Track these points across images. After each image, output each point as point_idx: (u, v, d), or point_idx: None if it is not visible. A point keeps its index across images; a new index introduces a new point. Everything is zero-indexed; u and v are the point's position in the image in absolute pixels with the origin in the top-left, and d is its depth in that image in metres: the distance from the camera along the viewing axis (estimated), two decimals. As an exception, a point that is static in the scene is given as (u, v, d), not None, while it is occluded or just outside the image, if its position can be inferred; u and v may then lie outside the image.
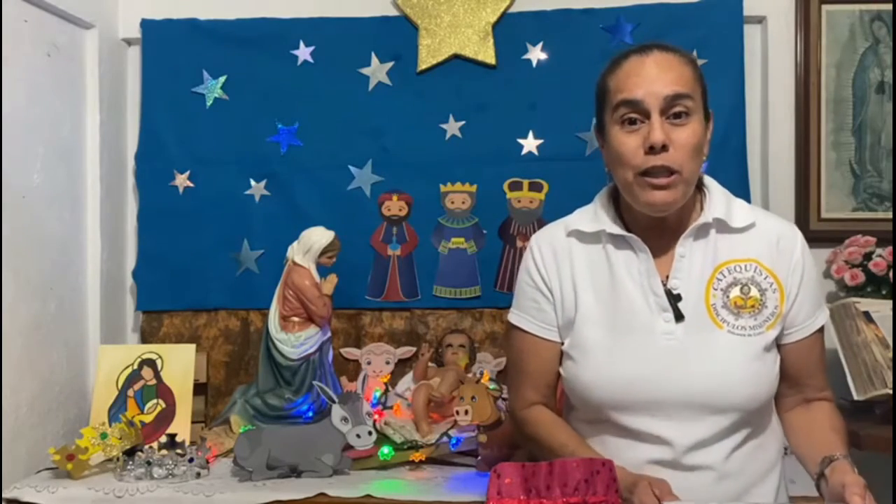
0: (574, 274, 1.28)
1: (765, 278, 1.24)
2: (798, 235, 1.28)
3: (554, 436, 1.28)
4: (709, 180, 1.31)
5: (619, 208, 1.30)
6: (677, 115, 1.17)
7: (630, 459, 1.19)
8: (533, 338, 1.31)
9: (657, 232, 1.25)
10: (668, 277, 1.24)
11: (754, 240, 1.25)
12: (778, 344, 1.26)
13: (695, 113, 1.18)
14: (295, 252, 1.99)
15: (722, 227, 1.25)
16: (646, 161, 1.17)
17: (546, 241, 1.32)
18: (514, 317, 1.35)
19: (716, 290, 1.22)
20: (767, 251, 1.25)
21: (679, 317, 1.21)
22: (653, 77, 1.17)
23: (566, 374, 1.29)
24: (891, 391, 1.74)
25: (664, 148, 1.16)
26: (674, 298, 1.22)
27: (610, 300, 1.25)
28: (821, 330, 1.30)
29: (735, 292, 1.22)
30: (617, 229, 1.26)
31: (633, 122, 1.18)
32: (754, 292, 1.22)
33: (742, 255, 1.24)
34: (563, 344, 1.29)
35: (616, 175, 1.24)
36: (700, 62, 2.08)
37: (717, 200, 1.27)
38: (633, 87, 1.18)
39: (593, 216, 1.30)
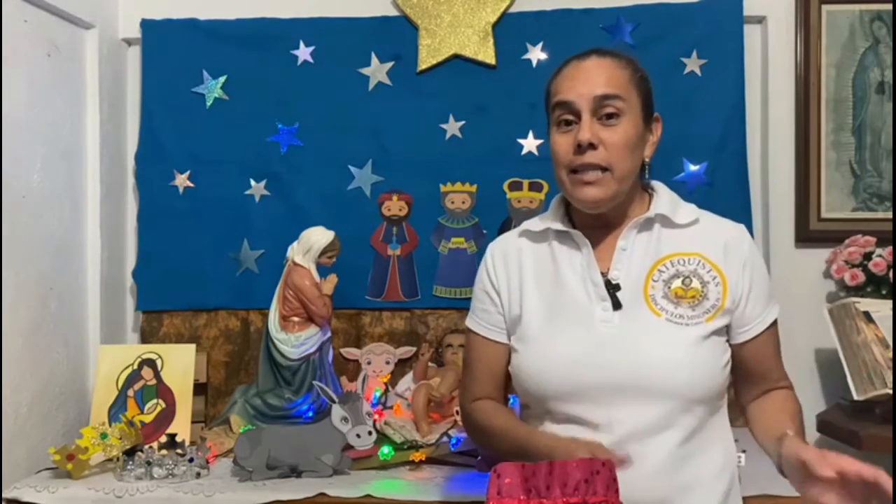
0: (522, 272, 1.33)
1: (708, 271, 1.27)
2: (745, 234, 1.32)
3: (494, 421, 1.32)
4: (658, 184, 1.36)
5: (569, 209, 1.35)
6: (608, 116, 1.22)
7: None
8: (481, 339, 1.37)
9: (601, 229, 1.30)
10: (608, 269, 1.28)
11: (699, 236, 1.29)
12: (734, 344, 1.28)
13: (626, 113, 1.23)
14: (295, 252, 1.99)
15: (666, 222, 1.30)
16: (575, 159, 1.23)
17: (499, 246, 1.38)
18: (468, 320, 1.41)
19: (656, 281, 1.26)
20: (713, 248, 1.28)
21: (617, 305, 1.25)
22: (585, 79, 1.23)
23: (512, 369, 1.32)
24: (891, 391, 1.74)
25: (592, 146, 1.21)
26: (612, 288, 1.26)
27: (553, 293, 1.29)
28: (774, 324, 1.31)
29: (676, 283, 1.26)
30: (561, 226, 1.31)
31: (567, 122, 1.24)
32: (696, 284, 1.25)
33: (686, 249, 1.28)
34: (510, 343, 1.34)
35: (555, 174, 1.29)
36: (700, 62, 2.13)
37: (664, 200, 1.31)
38: (566, 89, 1.24)
39: (544, 216, 1.36)
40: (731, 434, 1.31)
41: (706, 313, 1.24)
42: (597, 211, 1.26)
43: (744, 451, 1.53)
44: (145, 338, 2.23)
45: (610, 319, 1.24)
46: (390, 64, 2.21)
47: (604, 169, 1.22)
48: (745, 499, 1.33)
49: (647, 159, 1.29)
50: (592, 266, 1.27)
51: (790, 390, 1.33)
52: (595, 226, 1.30)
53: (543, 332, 1.27)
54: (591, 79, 1.22)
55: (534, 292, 1.30)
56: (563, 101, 1.24)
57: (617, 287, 1.26)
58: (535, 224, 1.35)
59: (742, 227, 1.33)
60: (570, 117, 1.23)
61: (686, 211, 1.31)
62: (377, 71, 2.21)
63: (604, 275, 1.27)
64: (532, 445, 1.21)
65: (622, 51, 1.29)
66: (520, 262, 1.34)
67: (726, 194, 2.09)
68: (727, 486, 1.26)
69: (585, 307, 1.25)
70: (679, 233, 1.29)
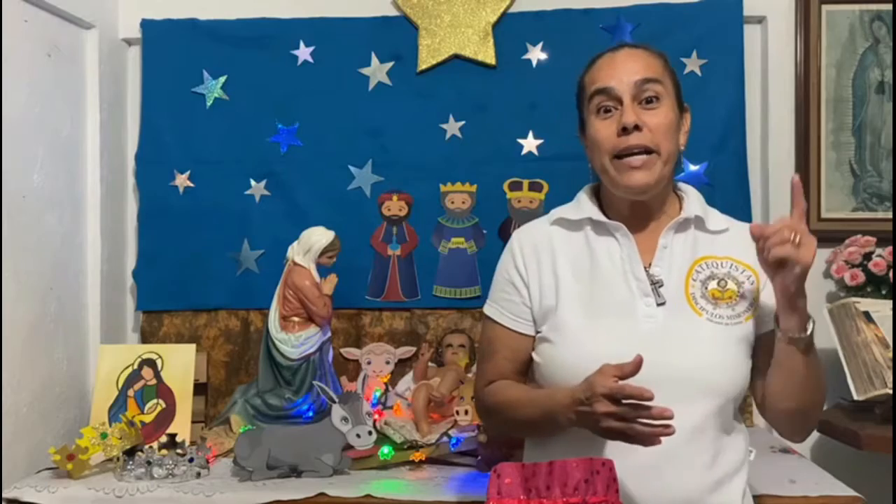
0: (555, 261, 1.31)
1: (741, 272, 1.28)
2: None
3: (510, 393, 1.30)
4: (685, 186, 1.37)
5: (601, 201, 1.35)
6: (648, 101, 1.25)
7: (606, 449, 1.18)
8: (503, 328, 1.35)
9: (638, 223, 1.30)
10: (650, 265, 1.28)
11: (728, 241, 1.32)
12: (763, 333, 1.26)
13: (665, 98, 1.26)
14: (295, 252, 1.99)
15: (700, 225, 1.32)
16: (620, 143, 1.23)
17: (527, 235, 1.37)
18: (487, 308, 1.39)
19: (695, 280, 1.27)
20: (742, 248, 1.28)
21: (660, 302, 1.25)
22: (623, 66, 1.26)
23: (543, 360, 1.30)
24: (891, 391, 1.74)
25: (637, 128, 1.22)
26: (656, 284, 1.26)
27: (590, 285, 1.28)
28: None
29: (713, 285, 1.27)
30: (601, 217, 1.31)
31: (607, 109, 1.26)
32: (731, 286, 1.27)
33: (718, 252, 1.30)
34: (538, 333, 1.32)
35: (595, 164, 1.30)
36: (700, 62, 2.13)
37: (695, 202, 1.33)
38: (605, 77, 1.27)
39: (577, 206, 1.35)
40: (744, 427, 1.31)
41: (745, 312, 1.26)
42: (643, 197, 1.27)
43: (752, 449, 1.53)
44: (145, 338, 2.23)
45: (654, 315, 1.24)
46: (390, 64, 2.21)
47: (649, 151, 1.23)
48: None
49: (682, 147, 1.30)
50: (635, 261, 1.27)
51: None
52: (632, 219, 1.30)
53: (583, 324, 1.25)
54: (629, 65, 1.25)
55: (571, 282, 1.29)
56: (602, 87, 1.25)
57: (660, 283, 1.26)
58: (571, 213, 1.34)
59: None
60: (611, 104, 1.25)
61: (717, 218, 1.34)
62: (377, 71, 2.21)
63: (645, 269, 1.27)
64: (555, 400, 1.18)
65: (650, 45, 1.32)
66: (552, 251, 1.32)
67: (726, 194, 2.08)
68: (745, 479, 1.27)
69: (627, 302, 1.25)
70: (711, 237, 1.31)
